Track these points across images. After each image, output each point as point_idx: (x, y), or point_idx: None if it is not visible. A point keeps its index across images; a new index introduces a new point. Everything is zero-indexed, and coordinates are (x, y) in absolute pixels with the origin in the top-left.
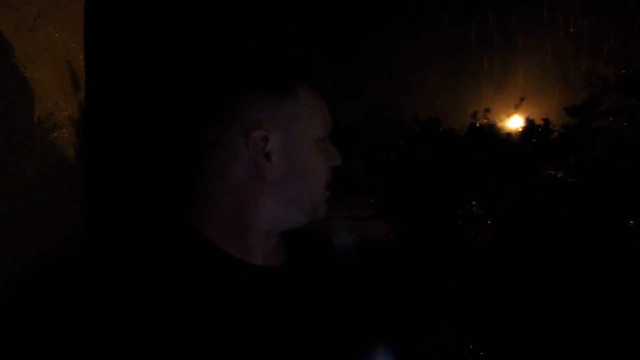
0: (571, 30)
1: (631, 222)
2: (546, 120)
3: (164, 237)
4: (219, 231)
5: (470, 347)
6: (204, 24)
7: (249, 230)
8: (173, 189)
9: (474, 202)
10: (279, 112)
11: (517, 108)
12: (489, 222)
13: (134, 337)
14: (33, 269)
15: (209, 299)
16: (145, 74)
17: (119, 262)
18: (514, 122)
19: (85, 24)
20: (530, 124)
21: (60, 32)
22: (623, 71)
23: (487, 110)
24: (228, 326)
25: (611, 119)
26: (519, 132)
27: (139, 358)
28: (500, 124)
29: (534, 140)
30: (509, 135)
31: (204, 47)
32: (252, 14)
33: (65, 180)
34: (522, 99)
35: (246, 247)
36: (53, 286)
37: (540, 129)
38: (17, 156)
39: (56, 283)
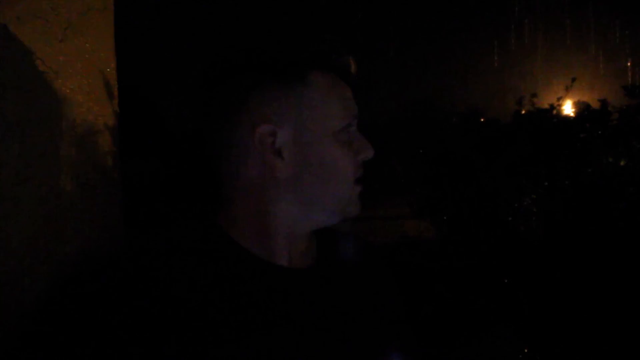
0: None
1: None
2: (603, 102)
3: (193, 238)
4: (243, 232)
5: (525, 351)
6: (234, 27)
7: (271, 231)
8: (205, 189)
9: (523, 197)
10: (287, 103)
11: (568, 90)
12: (541, 217)
13: (161, 333)
14: (72, 266)
15: (231, 300)
16: (178, 79)
17: (151, 261)
18: (565, 108)
19: (116, 32)
20: (583, 106)
21: (90, 42)
22: None
23: (534, 96)
24: (249, 327)
25: None
26: (572, 116)
27: (165, 353)
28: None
29: (587, 125)
30: (560, 119)
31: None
32: (290, 14)
33: (101, 183)
34: (573, 80)
35: (270, 248)
36: (90, 283)
37: (595, 112)
38: (54, 162)
39: (93, 280)
